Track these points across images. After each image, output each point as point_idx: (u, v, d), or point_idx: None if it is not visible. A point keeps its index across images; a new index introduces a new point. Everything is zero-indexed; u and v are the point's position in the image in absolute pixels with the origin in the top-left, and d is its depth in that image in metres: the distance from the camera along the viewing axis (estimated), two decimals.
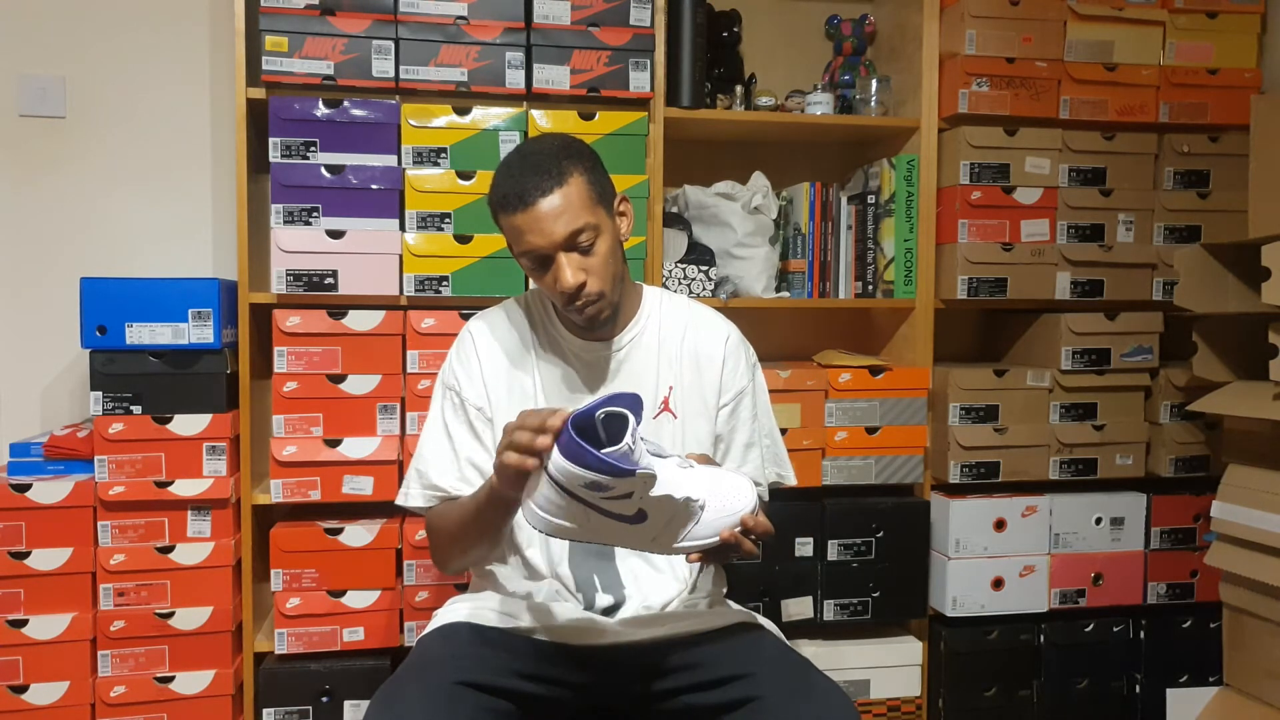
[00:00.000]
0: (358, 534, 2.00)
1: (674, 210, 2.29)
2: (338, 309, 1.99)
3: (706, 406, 1.53)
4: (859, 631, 2.27)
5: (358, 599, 2.01)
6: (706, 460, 1.36)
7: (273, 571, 1.99)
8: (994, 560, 2.24)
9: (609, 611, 1.45)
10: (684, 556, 1.26)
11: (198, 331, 1.94)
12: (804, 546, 2.19)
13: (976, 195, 2.23)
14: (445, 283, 2.02)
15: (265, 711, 1.98)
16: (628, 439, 1.11)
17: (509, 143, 2.03)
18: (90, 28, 2.25)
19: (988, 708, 2.26)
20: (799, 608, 2.20)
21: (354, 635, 2.01)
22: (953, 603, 2.22)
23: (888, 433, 2.22)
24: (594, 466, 1.10)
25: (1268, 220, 1.98)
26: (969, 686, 2.25)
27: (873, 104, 2.32)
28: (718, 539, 1.22)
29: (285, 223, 1.98)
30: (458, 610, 1.45)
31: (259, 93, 1.99)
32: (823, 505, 2.20)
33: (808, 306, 2.34)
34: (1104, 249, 2.28)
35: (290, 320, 1.97)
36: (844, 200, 2.34)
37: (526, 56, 2.05)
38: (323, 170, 1.99)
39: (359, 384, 2.00)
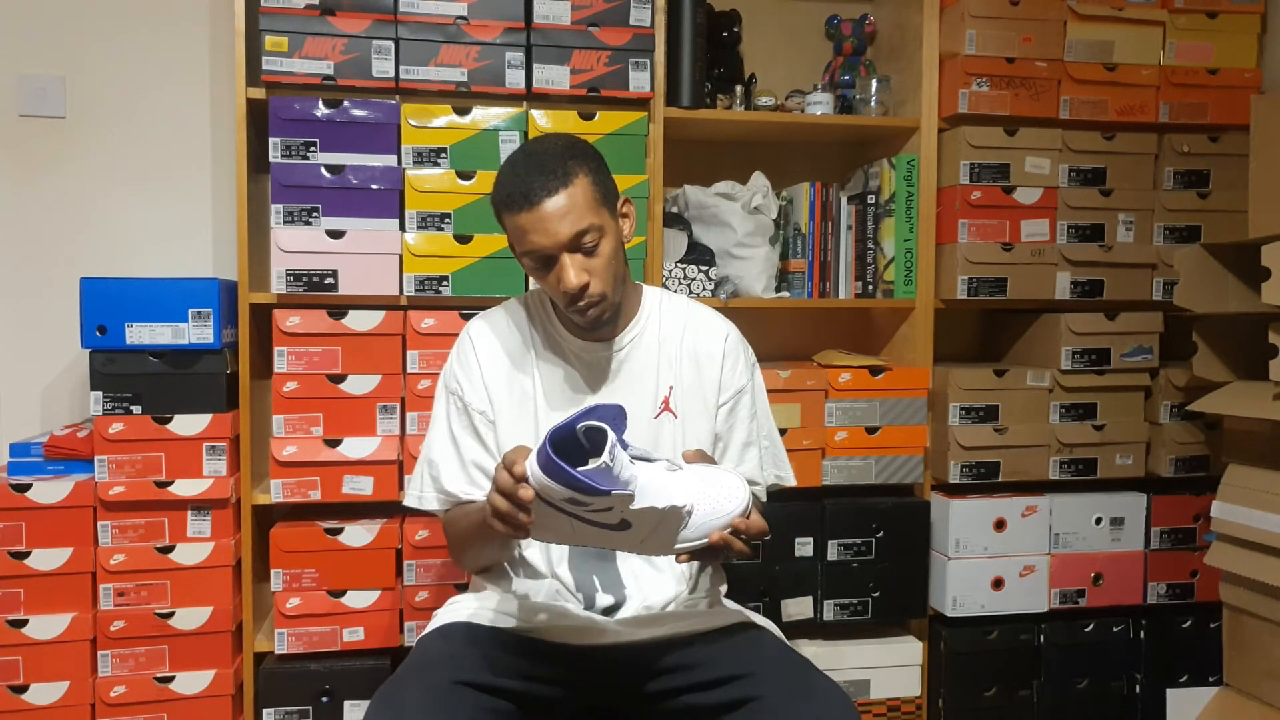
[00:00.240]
0: (358, 534, 2.00)
1: (674, 210, 2.29)
2: (338, 309, 1.99)
3: (706, 405, 1.53)
4: (859, 631, 2.27)
5: (358, 599, 2.01)
6: (702, 457, 1.36)
7: (273, 571, 1.99)
8: (994, 560, 2.24)
9: (609, 611, 1.45)
10: (674, 557, 1.26)
11: (198, 331, 1.94)
12: (804, 546, 2.19)
13: (976, 195, 2.23)
14: (445, 283, 2.02)
15: (265, 711, 1.98)
16: (605, 456, 1.10)
17: (509, 143, 2.03)
18: (90, 28, 2.25)
19: (988, 708, 2.26)
20: (799, 608, 2.20)
21: (354, 635, 2.01)
22: (953, 603, 2.22)
23: (888, 433, 2.22)
24: (570, 485, 1.10)
25: (1268, 220, 1.98)
26: (969, 686, 2.25)
27: (873, 104, 2.32)
28: (707, 541, 1.22)
29: (285, 223, 1.98)
30: (458, 610, 1.45)
31: (259, 93, 1.99)
32: (823, 505, 2.20)
33: (808, 306, 2.34)
34: (1104, 249, 2.28)
35: (290, 320, 1.97)
36: (844, 200, 2.34)
37: (526, 56, 2.05)
38: (323, 170, 1.99)
39: (359, 384, 2.00)
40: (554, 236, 1.37)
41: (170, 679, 1.96)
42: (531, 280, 1.96)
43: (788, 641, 1.43)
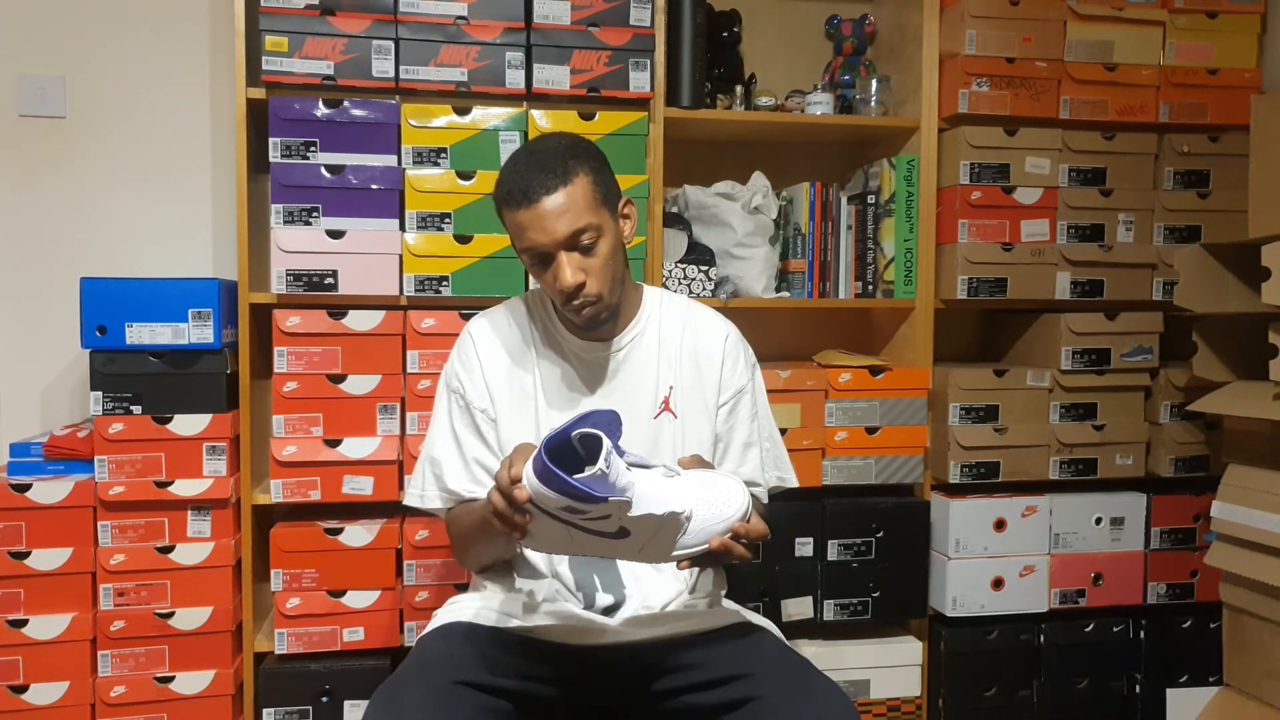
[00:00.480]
0: (358, 534, 2.00)
1: (674, 210, 2.29)
2: (338, 309, 1.99)
3: (707, 406, 1.53)
4: (859, 631, 2.27)
5: (358, 599, 2.01)
6: (699, 463, 1.36)
7: (273, 571, 1.99)
8: (994, 560, 2.24)
9: (609, 611, 1.45)
10: (675, 564, 1.26)
11: (198, 331, 1.94)
12: (804, 546, 2.19)
13: (976, 195, 2.23)
14: (445, 283, 2.02)
15: (265, 711, 1.98)
16: (600, 463, 1.09)
17: (509, 143, 2.03)
18: (90, 28, 2.25)
19: (988, 708, 2.26)
20: (799, 608, 2.20)
21: (354, 635, 2.01)
22: (953, 603, 2.22)
23: (888, 433, 2.22)
24: (567, 493, 1.10)
25: (1268, 220, 1.98)
26: (969, 686, 2.25)
27: (873, 104, 2.32)
28: (707, 546, 1.22)
29: (285, 223, 1.98)
30: (457, 610, 1.45)
31: (259, 93, 1.99)
32: (823, 505, 2.20)
33: (808, 306, 2.34)
34: (1104, 249, 2.28)
35: (290, 320, 1.97)
36: (844, 200, 2.34)
37: (526, 56, 2.05)
38: (323, 170, 1.99)
39: (359, 384, 2.00)
40: (551, 234, 1.37)
41: (170, 679, 1.96)
42: (532, 279, 1.96)
43: (788, 642, 1.43)
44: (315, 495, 1.99)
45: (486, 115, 2.03)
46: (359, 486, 2.00)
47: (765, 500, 1.58)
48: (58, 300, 2.20)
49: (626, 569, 1.47)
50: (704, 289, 2.19)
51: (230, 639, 1.99)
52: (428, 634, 1.43)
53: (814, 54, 2.55)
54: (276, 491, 1.98)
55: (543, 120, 2.04)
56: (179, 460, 1.95)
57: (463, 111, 2.03)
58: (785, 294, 2.31)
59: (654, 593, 1.46)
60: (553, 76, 2.06)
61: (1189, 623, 2.32)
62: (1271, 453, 1.97)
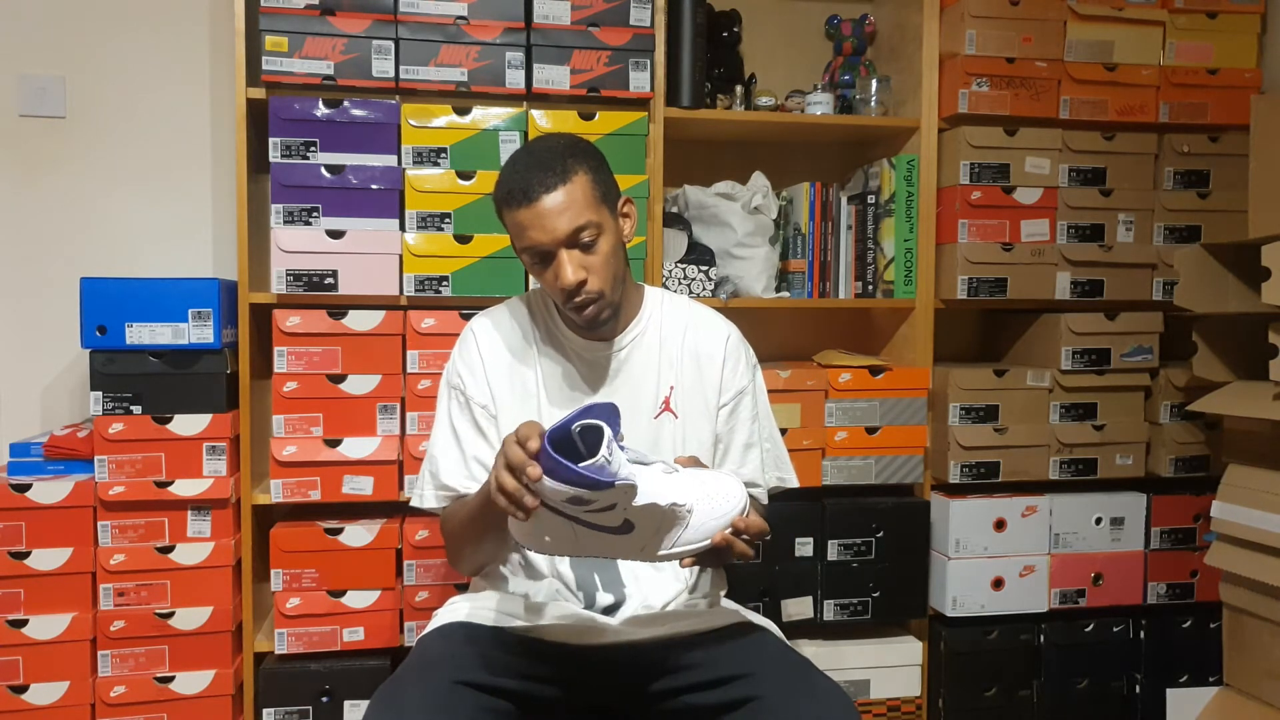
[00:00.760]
0: (358, 534, 2.00)
1: (674, 210, 2.29)
2: (338, 309, 1.99)
3: (708, 406, 1.53)
4: (859, 631, 2.27)
5: (358, 599, 2.01)
6: (695, 463, 1.36)
7: (273, 571, 1.99)
8: (994, 560, 2.24)
9: (609, 611, 1.45)
10: (677, 562, 1.26)
11: (198, 331, 1.94)
12: (804, 546, 2.19)
13: (976, 195, 2.23)
14: (445, 283, 2.02)
15: (265, 711, 1.98)
16: (604, 451, 1.09)
17: (509, 143, 2.03)
18: (90, 28, 2.25)
19: (988, 708, 2.26)
20: (799, 608, 2.20)
21: (354, 635, 2.01)
22: (953, 603, 2.22)
23: (888, 433, 2.22)
24: (572, 481, 1.09)
25: (1268, 220, 1.98)
26: (969, 686, 2.25)
27: (873, 104, 2.32)
28: (709, 543, 1.22)
29: (285, 223, 1.98)
30: (457, 610, 1.45)
31: (259, 93, 1.99)
32: (823, 505, 2.20)
33: (808, 306, 2.34)
34: (1104, 249, 2.28)
35: (290, 320, 1.97)
36: (844, 200, 2.34)
37: (526, 56, 2.05)
38: (323, 170, 1.99)
39: (359, 384, 2.00)
40: (551, 232, 1.37)
41: (170, 679, 1.96)
42: (532, 280, 1.96)
43: (788, 641, 1.43)
44: (315, 495, 1.99)
45: (486, 115, 2.03)
46: (359, 486, 2.00)
47: (765, 501, 1.58)
48: (58, 300, 2.20)
49: (627, 568, 1.47)
50: (704, 289, 2.19)
51: (230, 639, 1.99)
52: (428, 634, 1.43)
53: (814, 54, 2.55)
54: (276, 491, 1.98)
55: (543, 120, 2.04)
56: (179, 460, 1.95)
57: (463, 111, 2.03)
58: (785, 294, 2.31)
59: (654, 592, 1.46)
60: (553, 76, 2.06)
61: (1189, 623, 2.32)
62: (1271, 453, 1.97)
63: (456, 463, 1.48)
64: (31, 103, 2.22)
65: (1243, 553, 1.98)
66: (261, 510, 2.07)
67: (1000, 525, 2.24)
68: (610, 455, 1.10)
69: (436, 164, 2.02)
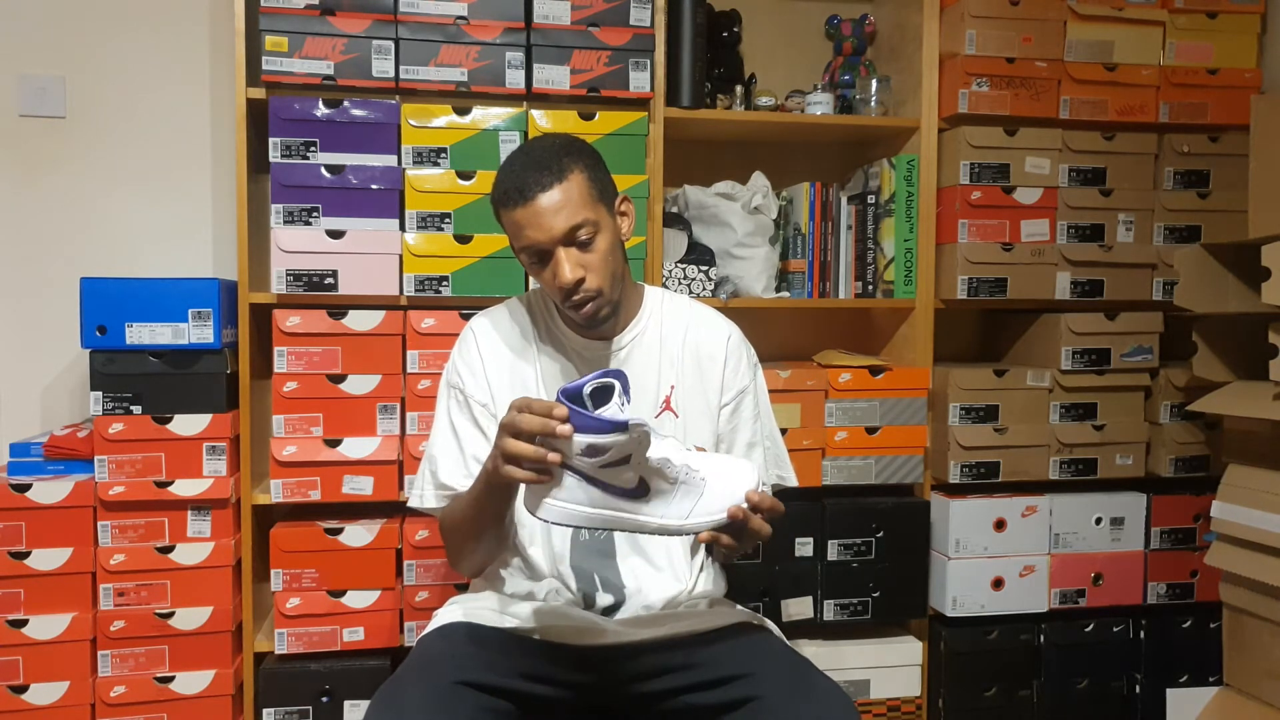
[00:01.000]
0: (358, 534, 2.00)
1: (674, 210, 2.29)
2: (338, 309, 1.99)
3: (709, 406, 1.53)
4: (859, 631, 2.27)
5: (358, 599, 2.01)
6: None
7: (273, 571, 1.99)
8: (994, 560, 2.24)
9: (609, 611, 1.45)
10: (684, 554, 1.26)
11: (198, 331, 1.94)
12: (804, 546, 2.19)
13: (976, 195, 2.23)
14: (445, 283, 2.02)
15: (265, 711, 1.98)
16: (615, 399, 1.12)
17: (509, 143, 2.03)
18: (90, 28, 2.25)
19: (988, 708, 2.26)
20: (799, 608, 2.20)
21: (354, 635, 2.01)
22: (953, 603, 2.22)
23: (888, 433, 2.22)
24: (589, 428, 1.11)
25: (1268, 220, 1.98)
26: (969, 686, 2.25)
27: (873, 104, 2.32)
28: (724, 516, 1.21)
29: (285, 223, 1.98)
30: (458, 610, 1.45)
31: (259, 93, 1.99)
32: (823, 505, 2.20)
33: (808, 306, 2.34)
34: (1104, 249, 2.28)
35: (290, 320, 1.97)
36: (844, 200, 2.34)
37: (526, 56, 2.05)
38: (323, 170, 1.99)
39: (359, 384, 2.00)
40: (548, 231, 1.37)
41: (170, 679, 1.96)
42: (532, 280, 1.96)
43: (788, 641, 1.43)
44: (315, 495, 1.99)
45: (486, 115, 2.03)
46: (359, 486, 2.00)
47: None
48: (58, 300, 2.20)
49: (626, 569, 1.47)
50: (704, 289, 2.19)
51: (230, 639, 1.99)
52: (428, 634, 1.43)
53: (814, 54, 2.55)
54: (276, 491, 1.98)
55: (543, 120, 2.04)
56: (179, 460, 1.95)
57: (463, 111, 2.03)
58: (785, 294, 2.31)
59: (654, 592, 1.46)
60: (553, 76, 2.06)
61: (1189, 623, 2.32)
62: (1271, 453, 1.97)
63: (456, 462, 1.47)
64: (31, 103, 2.22)
65: (1243, 553, 1.98)
66: (261, 510, 2.07)
67: (1000, 525, 2.24)
68: (623, 405, 1.13)
69: (436, 164, 2.02)
